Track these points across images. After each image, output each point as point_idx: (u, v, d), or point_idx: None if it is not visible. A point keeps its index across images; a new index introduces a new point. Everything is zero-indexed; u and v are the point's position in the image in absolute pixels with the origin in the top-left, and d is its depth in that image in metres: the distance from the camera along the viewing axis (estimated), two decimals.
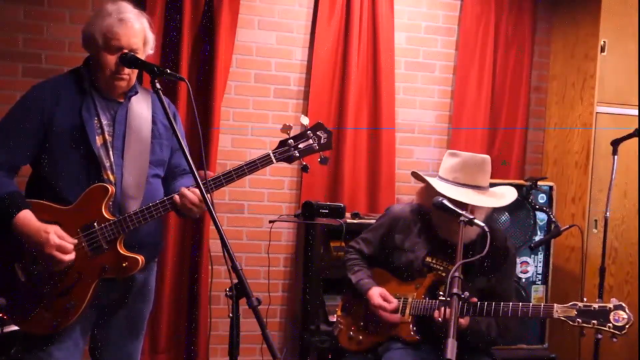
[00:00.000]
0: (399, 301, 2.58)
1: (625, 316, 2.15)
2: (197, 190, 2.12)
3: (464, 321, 2.37)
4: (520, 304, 2.35)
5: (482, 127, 4.01)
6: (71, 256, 2.06)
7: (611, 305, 2.18)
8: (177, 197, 2.12)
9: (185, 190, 2.12)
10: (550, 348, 3.62)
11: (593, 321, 2.18)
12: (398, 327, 2.56)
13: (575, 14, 3.93)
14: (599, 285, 3.28)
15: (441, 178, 2.56)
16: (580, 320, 2.20)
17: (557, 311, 2.24)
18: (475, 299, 2.38)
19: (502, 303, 2.36)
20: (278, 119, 3.77)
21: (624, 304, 2.17)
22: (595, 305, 2.19)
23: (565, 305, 2.25)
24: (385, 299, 2.57)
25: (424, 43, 4.02)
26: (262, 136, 3.77)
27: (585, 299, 2.24)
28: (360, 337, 2.66)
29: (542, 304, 2.44)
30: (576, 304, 2.23)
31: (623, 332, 2.15)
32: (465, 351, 2.35)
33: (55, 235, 2.05)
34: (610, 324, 2.15)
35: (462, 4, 4.03)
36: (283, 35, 3.81)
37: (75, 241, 2.09)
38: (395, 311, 2.56)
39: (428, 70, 4.04)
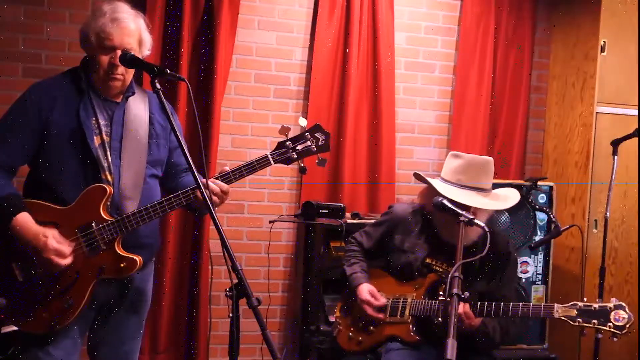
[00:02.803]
0: (389, 300, 2.60)
1: (626, 316, 2.15)
2: (217, 181, 2.14)
3: (477, 321, 2.38)
4: (521, 304, 2.35)
5: (482, 127, 4.01)
6: (68, 260, 2.06)
7: (611, 305, 2.18)
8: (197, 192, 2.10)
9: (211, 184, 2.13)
10: (550, 348, 3.62)
11: (593, 321, 2.18)
12: (397, 327, 2.56)
13: (575, 14, 3.93)
14: (599, 285, 3.27)
15: (444, 180, 2.56)
16: (580, 320, 2.20)
17: (557, 311, 2.25)
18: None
19: (502, 303, 2.36)
20: (278, 119, 3.77)
21: (624, 304, 2.17)
22: (596, 305, 2.20)
23: (565, 305, 2.25)
24: (372, 296, 2.59)
25: (424, 43, 4.02)
26: (262, 136, 3.77)
27: (585, 299, 2.24)
28: (360, 338, 2.66)
29: (543, 304, 2.44)
30: (576, 304, 2.23)
31: (624, 331, 2.15)
32: (466, 352, 2.35)
33: (54, 239, 2.05)
34: (611, 324, 2.15)
35: (462, 4, 4.03)
36: (283, 35, 3.81)
37: (73, 245, 2.09)
38: (380, 309, 2.58)
39: (428, 70, 4.03)
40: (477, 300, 2.42)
